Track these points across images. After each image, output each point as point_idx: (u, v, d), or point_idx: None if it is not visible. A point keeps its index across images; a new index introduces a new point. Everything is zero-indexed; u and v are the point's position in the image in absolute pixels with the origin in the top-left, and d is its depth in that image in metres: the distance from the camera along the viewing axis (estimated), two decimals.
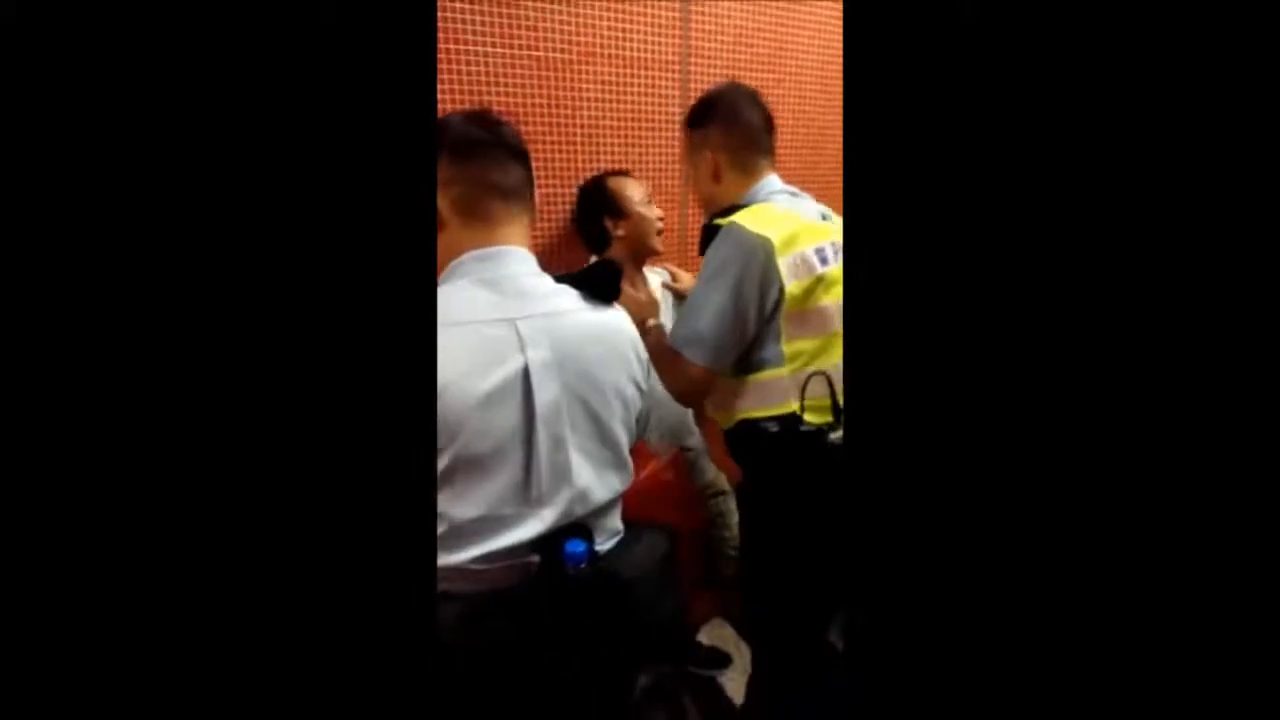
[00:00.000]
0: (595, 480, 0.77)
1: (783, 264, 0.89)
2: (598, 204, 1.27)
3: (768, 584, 1.07)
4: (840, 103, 1.67)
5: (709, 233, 0.95)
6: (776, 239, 0.89)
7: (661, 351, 0.99)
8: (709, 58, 1.43)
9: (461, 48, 1.13)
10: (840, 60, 1.62)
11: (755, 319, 0.91)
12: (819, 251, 0.92)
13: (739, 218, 0.92)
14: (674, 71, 1.39)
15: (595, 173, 1.33)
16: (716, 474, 1.50)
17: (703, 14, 1.38)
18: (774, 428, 0.93)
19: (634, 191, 1.26)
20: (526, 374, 0.69)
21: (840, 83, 1.64)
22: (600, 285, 0.80)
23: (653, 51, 1.35)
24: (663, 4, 1.33)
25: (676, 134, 1.43)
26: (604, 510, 0.80)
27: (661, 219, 1.27)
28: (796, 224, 0.92)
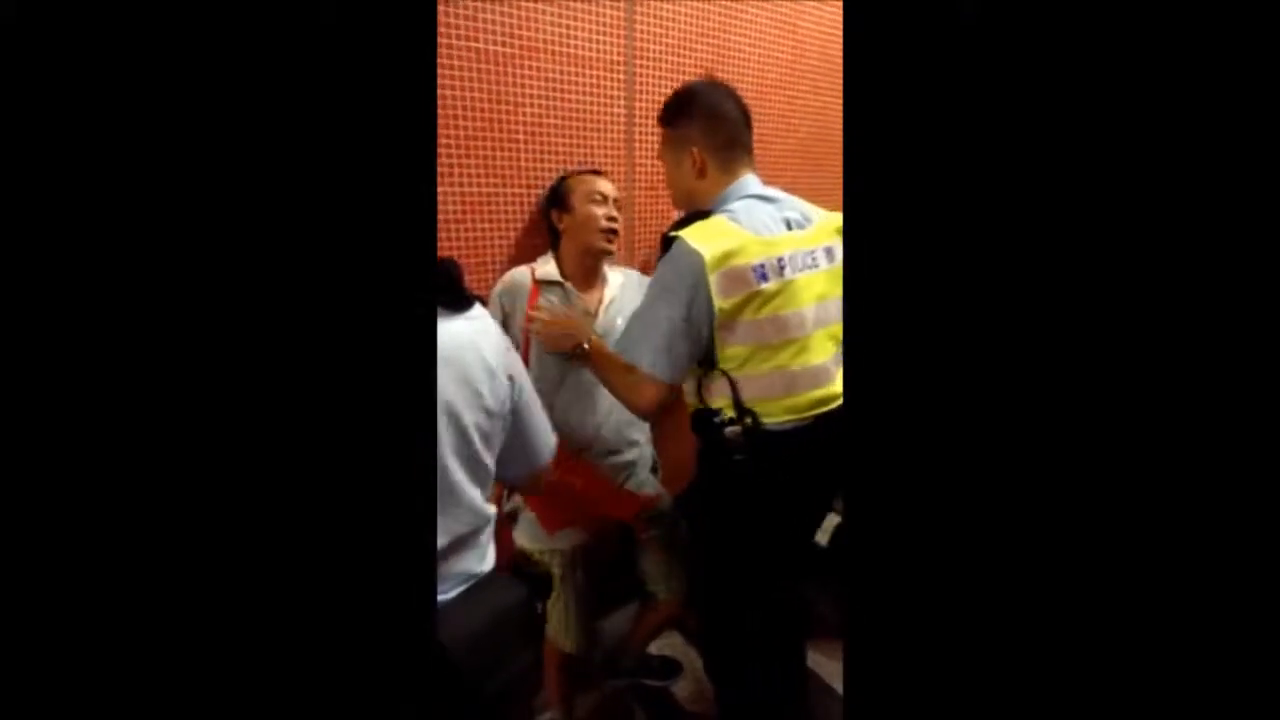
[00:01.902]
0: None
1: (713, 280, 0.90)
2: (550, 197, 1.26)
3: (707, 556, 1.15)
4: (780, 106, 1.69)
5: (667, 244, 0.96)
6: (709, 255, 0.89)
7: (611, 369, 1.01)
8: (654, 59, 1.41)
9: None
10: (779, 63, 1.65)
11: (707, 327, 0.93)
12: (759, 268, 0.92)
13: (686, 233, 0.92)
14: (619, 71, 1.36)
15: (536, 171, 1.29)
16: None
17: (647, 14, 1.37)
18: (703, 416, 1.00)
19: (588, 187, 1.20)
20: None
21: (779, 86, 1.67)
22: (441, 291, 0.71)
23: (597, 50, 1.32)
24: (607, 2, 1.30)
25: (622, 134, 1.41)
26: (443, 556, 0.72)
27: (613, 219, 1.21)
28: (740, 239, 0.92)
